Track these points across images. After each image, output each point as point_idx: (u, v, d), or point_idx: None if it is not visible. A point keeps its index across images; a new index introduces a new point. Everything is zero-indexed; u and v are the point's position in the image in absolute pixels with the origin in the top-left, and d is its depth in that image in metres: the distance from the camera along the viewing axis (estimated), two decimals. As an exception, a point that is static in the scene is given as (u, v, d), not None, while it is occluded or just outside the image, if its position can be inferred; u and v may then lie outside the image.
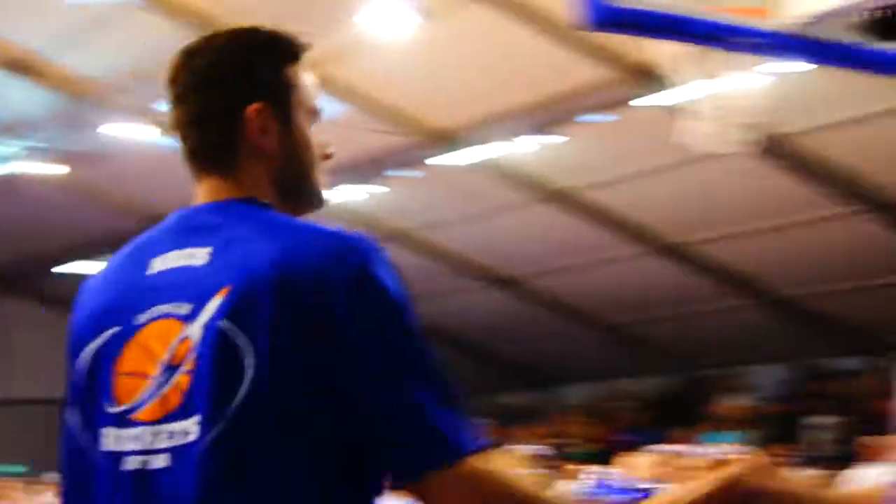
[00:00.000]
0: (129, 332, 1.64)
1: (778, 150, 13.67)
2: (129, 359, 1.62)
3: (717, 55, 8.50)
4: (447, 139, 14.51)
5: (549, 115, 13.71)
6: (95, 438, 1.62)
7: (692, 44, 6.74)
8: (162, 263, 1.66)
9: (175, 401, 1.56)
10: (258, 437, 1.52)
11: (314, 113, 1.79)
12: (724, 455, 8.46)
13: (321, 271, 1.54)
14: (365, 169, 14.90)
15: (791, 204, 14.82)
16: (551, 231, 16.78)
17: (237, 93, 1.71)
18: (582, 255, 17.28)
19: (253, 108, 1.70)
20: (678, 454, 9.08)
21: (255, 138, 1.70)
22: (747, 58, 8.89)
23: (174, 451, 1.54)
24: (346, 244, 1.58)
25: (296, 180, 1.75)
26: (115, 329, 1.65)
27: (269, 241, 1.59)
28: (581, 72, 12.58)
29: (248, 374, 1.52)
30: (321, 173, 1.78)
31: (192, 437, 1.53)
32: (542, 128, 14.09)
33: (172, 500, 1.53)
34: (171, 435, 1.55)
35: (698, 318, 18.28)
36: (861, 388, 17.22)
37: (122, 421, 1.60)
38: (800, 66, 11.81)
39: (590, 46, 12.17)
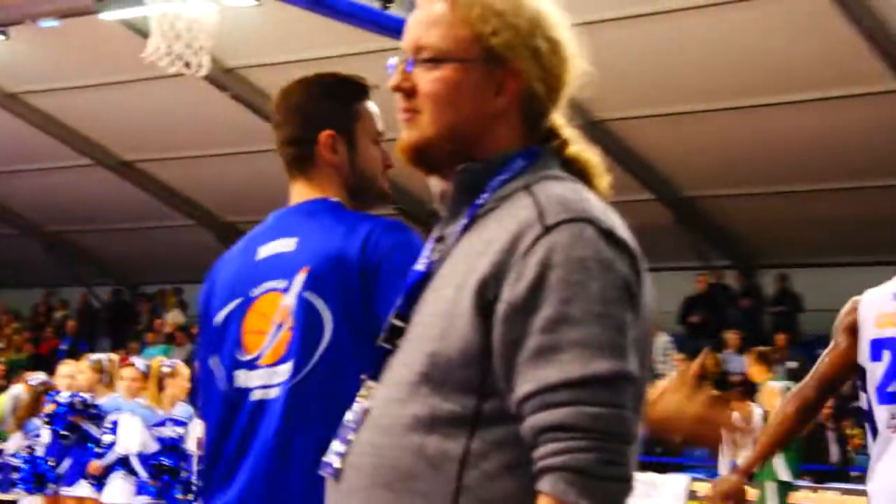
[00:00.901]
0: (249, 301, 2.34)
1: (223, 81, 15.03)
2: (252, 321, 2.30)
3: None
4: None
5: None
6: (230, 378, 2.29)
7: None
8: (266, 251, 2.39)
9: (282, 350, 2.24)
10: (335, 376, 2.19)
11: (378, 136, 2.53)
12: (169, 367, 9.35)
13: (361, 250, 2.24)
14: None
15: (240, 134, 16.11)
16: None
17: (314, 123, 2.46)
18: (31, 161, 17.93)
19: (325, 133, 2.43)
20: (116, 363, 9.78)
21: (327, 156, 2.43)
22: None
23: (282, 386, 2.22)
24: (378, 227, 2.26)
25: (361, 186, 2.44)
26: (239, 300, 2.36)
27: (334, 230, 2.30)
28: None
29: (328, 329, 2.20)
30: (384, 179, 2.49)
31: (289, 376, 2.22)
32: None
33: (277, 419, 2.22)
34: (280, 374, 2.24)
35: (146, 234, 19.84)
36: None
37: (251, 365, 2.31)
38: (246, 1, 13.23)
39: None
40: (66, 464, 9.30)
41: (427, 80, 1.78)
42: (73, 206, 19.74)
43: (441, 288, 1.71)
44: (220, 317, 2.41)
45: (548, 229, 1.64)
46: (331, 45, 13.76)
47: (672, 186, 16.99)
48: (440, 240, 1.82)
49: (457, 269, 1.71)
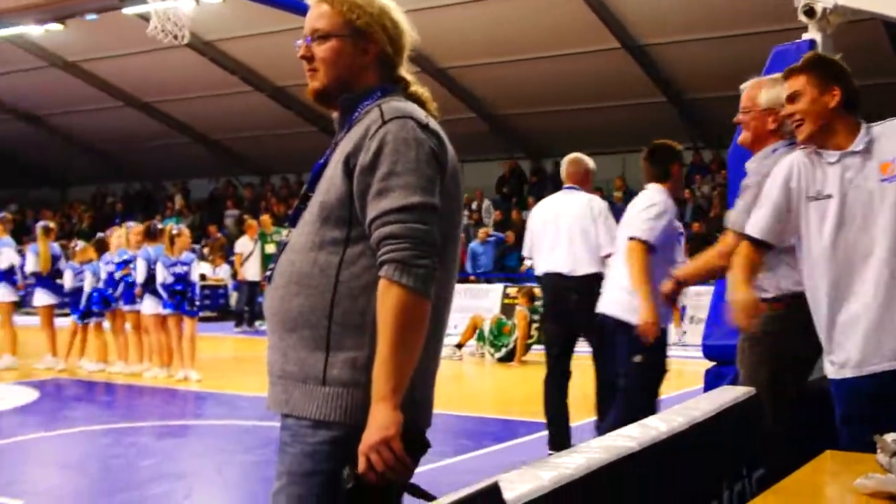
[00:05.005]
0: None
1: (203, 49, 20.32)
2: None
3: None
4: None
5: (60, 7, 18.25)
6: None
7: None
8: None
9: None
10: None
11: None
12: (178, 229, 11.16)
13: None
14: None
15: (211, 82, 21.40)
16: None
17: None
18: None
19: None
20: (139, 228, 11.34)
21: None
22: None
23: None
24: None
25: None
26: None
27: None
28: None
29: None
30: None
31: None
32: (50, 19, 18.71)
33: None
34: None
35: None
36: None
37: None
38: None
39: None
40: (121, 290, 11.13)
41: (320, 50, 2.35)
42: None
43: (329, 167, 2.29)
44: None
45: (385, 122, 2.21)
46: (273, 23, 17.98)
47: (487, 107, 21.03)
48: (335, 143, 2.34)
49: (337, 155, 2.28)
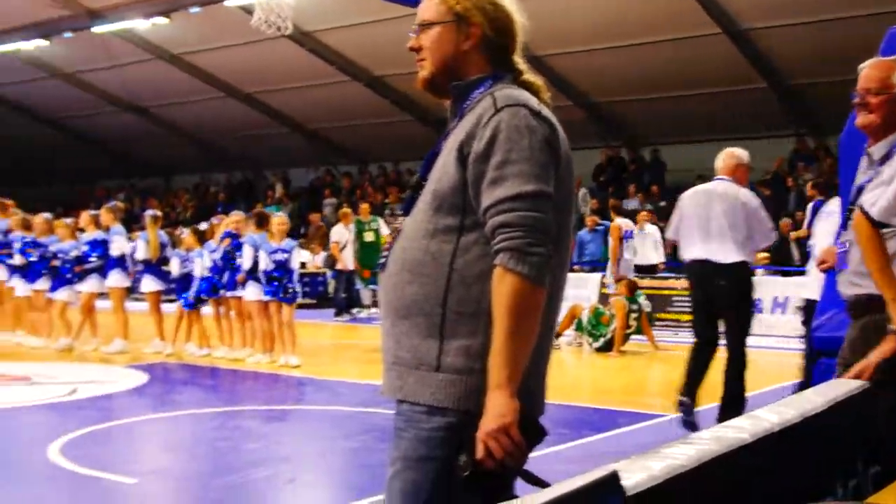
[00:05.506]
0: None
1: (302, 40, 20.64)
2: None
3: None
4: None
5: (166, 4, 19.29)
6: None
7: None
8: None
9: None
10: None
11: None
12: (279, 217, 11.09)
13: None
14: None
15: (310, 72, 21.73)
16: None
17: None
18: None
19: None
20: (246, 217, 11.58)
21: None
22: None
23: None
24: None
25: None
26: None
27: None
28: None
29: None
30: None
31: None
32: (156, 13, 19.67)
33: None
34: None
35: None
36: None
37: None
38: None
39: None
40: (226, 277, 11.28)
41: (425, 39, 2.39)
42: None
43: (442, 155, 2.30)
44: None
45: (498, 110, 2.21)
46: (370, 13, 18.48)
47: (584, 95, 20.87)
48: (447, 132, 2.34)
49: (450, 143, 2.29)
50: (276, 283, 10.71)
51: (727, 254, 6.90)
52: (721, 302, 6.96)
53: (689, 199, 7.20)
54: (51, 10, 20.36)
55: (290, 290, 10.80)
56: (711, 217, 6.96)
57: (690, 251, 7.12)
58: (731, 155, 7.18)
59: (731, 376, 6.90)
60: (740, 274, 6.94)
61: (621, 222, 14.14)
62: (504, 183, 2.17)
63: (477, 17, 2.36)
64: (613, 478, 1.63)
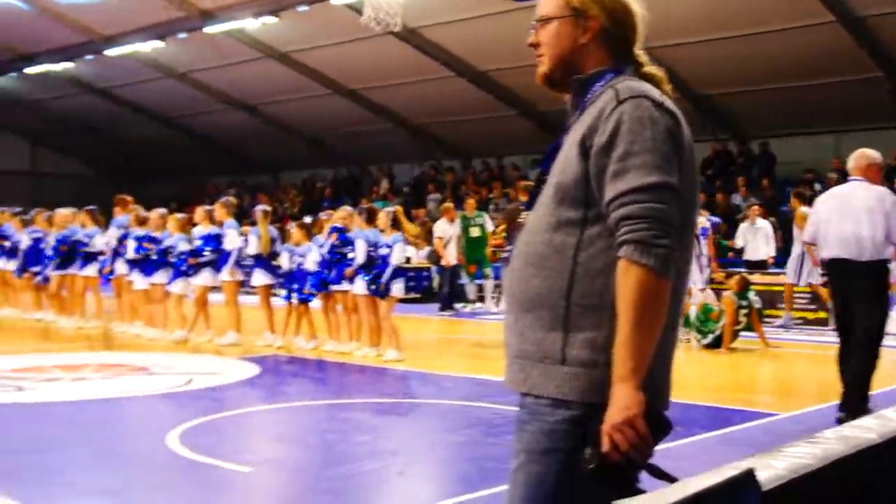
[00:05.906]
0: None
1: (407, 36, 20.61)
2: None
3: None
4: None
5: (275, 3, 19.73)
6: None
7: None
8: None
9: None
10: None
11: None
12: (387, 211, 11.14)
13: None
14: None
15: (414, 68, 21.87)
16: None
17: None
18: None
19: None
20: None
21: None
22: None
23: None
24: None
25: None
26: None
27: None
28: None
29: None
30: None
31: None
32: (265, 12, 20.09)
33: None
34: None
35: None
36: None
37: None
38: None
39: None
40: (334, 272, 11.40)
41: (543, 34, 2.38)
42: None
43: (564, 149, 2.29)
44: None
45: (620, 102, 2.19)
46: (474, 9, 18.78)
47: (691, 86, 20.06)
48: (568, 126, 2.34)
49: (572, 136, 2.28)
50: (368, 278, 10.77)
51: (863, 252, 7.06)
52: (857, 300, 7.12)
53: (824, 202, 7.42)
54: (166, 13, 20.96)
55: (381, 285, 10.75)
56: (846, 218, 7.13)
57: (828, 250, 7.31)
58: (862, 155, 7.34)
59: (858, 374, 6.89)
60: (878, 272, 7.10)
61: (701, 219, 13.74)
62: (627, 175, 2.15)
63: (594, 9, 2.34)
64: (749, 475, 1.61)
